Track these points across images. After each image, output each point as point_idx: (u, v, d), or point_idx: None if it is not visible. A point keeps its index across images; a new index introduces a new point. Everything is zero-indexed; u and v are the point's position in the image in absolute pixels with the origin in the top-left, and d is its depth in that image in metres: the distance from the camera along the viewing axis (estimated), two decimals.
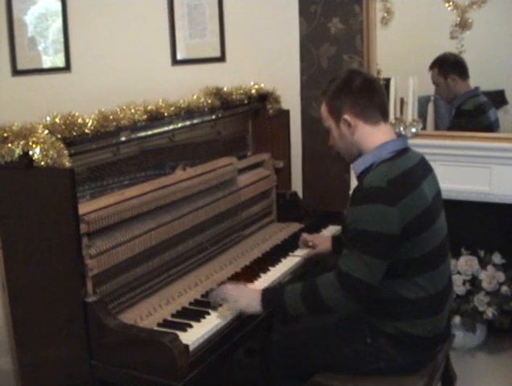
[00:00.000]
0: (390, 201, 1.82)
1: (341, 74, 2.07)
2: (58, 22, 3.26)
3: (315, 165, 3.34)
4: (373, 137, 1.98)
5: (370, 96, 1.99)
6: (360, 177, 2.00)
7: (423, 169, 2.03)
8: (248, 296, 2.01)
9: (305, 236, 2.58)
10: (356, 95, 1.97)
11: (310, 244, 2.54)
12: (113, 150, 2.15)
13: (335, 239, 2.50)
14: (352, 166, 2.07)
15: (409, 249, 1.88)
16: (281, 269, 2.39)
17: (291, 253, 2.53)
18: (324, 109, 2.05)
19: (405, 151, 1.99)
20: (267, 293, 2.01)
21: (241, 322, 2.01)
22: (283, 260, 2.46)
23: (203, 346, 1.84)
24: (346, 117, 1.97)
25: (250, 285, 2.16)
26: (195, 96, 2.52)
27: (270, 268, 2.39)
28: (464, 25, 3.01)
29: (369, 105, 1.98)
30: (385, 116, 2.04)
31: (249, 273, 2.32)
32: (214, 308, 2.02)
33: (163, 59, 3.30)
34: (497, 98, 3.09)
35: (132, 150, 2.24)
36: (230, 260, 2.47)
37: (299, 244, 2.59)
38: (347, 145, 2.03)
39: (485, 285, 3.04)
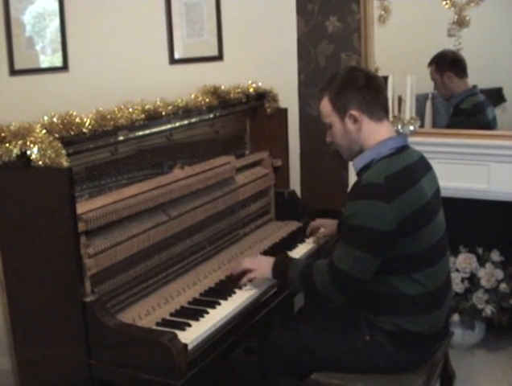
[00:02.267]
0: (386, 198, 1.83)
1: (342, 71, 2.07)
2: (56, 22, 3.25)
3: (313, 163, 3.34)
4: (376, 133, 1.98)
5: (375, 92, 2.00)
6: (359, 173, 2.00)
7: (423, 166, 2.04)
8: (263, 262, 2.16)
9: (313, 223, 2.66)
10: (362, 91, 1.97)
11: (320, 229, 2.63)
12: (111, 150, 2.15)
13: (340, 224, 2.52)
14: (352, 162, 2.08)
15: (407, 245, 1.89)
16: None
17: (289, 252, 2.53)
18: (326, 105, 2.03)
19: (404, 148, 2.00)
20: (277, 262, 2.13)
21: (239, 320, 2.02)
22: None
23: (201, 345, 1.84)
24: (353, 112, 1.97)
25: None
26: (193, 95, 2.52)
27: None
28: (461, 23, 3.01)
29: (375, 102, 1.99)
30: (387, 112, 2.05)
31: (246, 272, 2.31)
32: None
33: (160, 59, 3.30)
34: (495, 96, 3.09)
35: (130, 150, 2.24)
36: (229, 258, 2.47)
37: (308, 233, 2.66)
38: (349, 142, 2.02)
39: (483, 282, 3.04)
